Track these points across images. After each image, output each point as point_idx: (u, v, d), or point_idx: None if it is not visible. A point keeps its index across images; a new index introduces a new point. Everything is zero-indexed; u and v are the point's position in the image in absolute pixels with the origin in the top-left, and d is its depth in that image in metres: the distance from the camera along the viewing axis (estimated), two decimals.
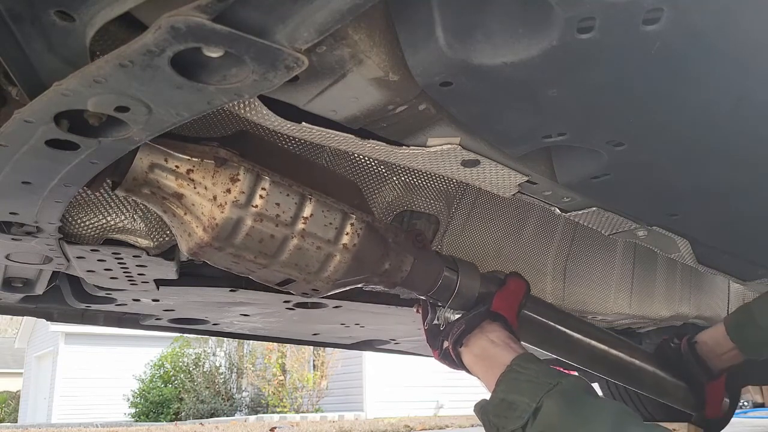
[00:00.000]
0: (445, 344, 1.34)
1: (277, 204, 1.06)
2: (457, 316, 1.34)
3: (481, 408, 1.21)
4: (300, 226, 1.08)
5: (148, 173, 1.00)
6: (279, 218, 1.06)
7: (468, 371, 1.32)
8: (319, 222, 1.10)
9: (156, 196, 1.03)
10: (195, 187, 1.01)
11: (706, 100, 0.93)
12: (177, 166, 1.01)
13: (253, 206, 1.03)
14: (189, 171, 1.01)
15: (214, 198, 1.01)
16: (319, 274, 1.15)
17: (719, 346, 1.75)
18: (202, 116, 1.00)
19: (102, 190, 1.19)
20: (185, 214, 1.03)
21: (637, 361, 1.77)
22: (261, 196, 1.04)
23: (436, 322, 1.38)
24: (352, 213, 1.15)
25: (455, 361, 1.33)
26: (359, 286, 1.27)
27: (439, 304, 1.38)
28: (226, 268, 1.14)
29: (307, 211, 1.09)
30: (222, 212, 1.01)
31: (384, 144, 1.02)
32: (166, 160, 1.00)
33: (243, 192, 1.02)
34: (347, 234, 1.14)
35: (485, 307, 1.34)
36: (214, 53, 0.63)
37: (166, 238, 1.28)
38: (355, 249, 1.15)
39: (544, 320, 1.58)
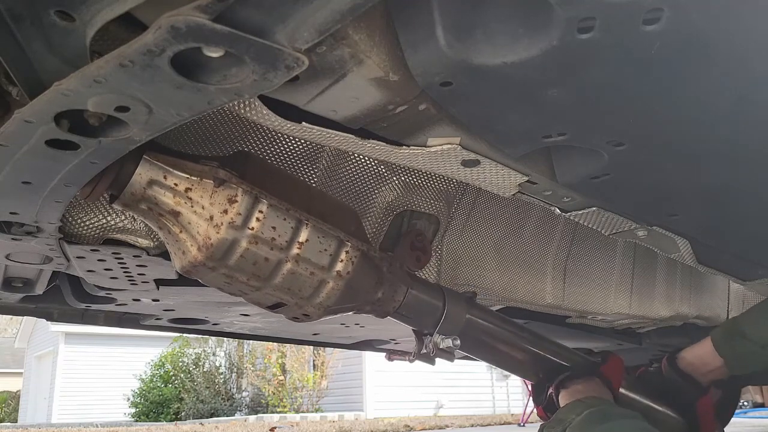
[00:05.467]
0: (550, 390, 1.52)
1: (274, 227, 1.06)
2: (448, 341, 1.38)
3: (540, 426, 1.42)
4: (295, 250, 1.09)
5: (146, 189, 1.00)
6: (274, 242, 1.06)
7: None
8: (314, 248, 1.11)
9: (153, 212, 1.03)
10: (192, 206, 1.01)
11: (706, 100, 0.93)
12: (176, 184, 1.01)
13: (249, 228, 1.03)
14: (187, 189, 1.01)
15: (211, 218, 1.01)
16: (311, 300, 1.15)
17: (704, 364, 1.71)
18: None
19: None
20: (181, 232, 1.03)
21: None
22: (258, 219, 1.04)
23: (424, 350, 1.40)
24: (348, 240, 1.15)
25: (553, 404, 1.50)
26: (350, 313, 1.28)
27: (426, 332, 1.40)
28: (217, 288, 1.14)
29: (302, 236, 1.09)
30: (218, 233, 1.01)
31: (384, 144, 1.02)
32: (165, 177, 1.01)
33: (240, 214, 1.02)
34: (341, 261, 1.14)
35: (596, 365, 1.52)
36: (214, 53, 0.63)
37: None
38: (348, 277, 1.15)
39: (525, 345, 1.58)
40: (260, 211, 1.04)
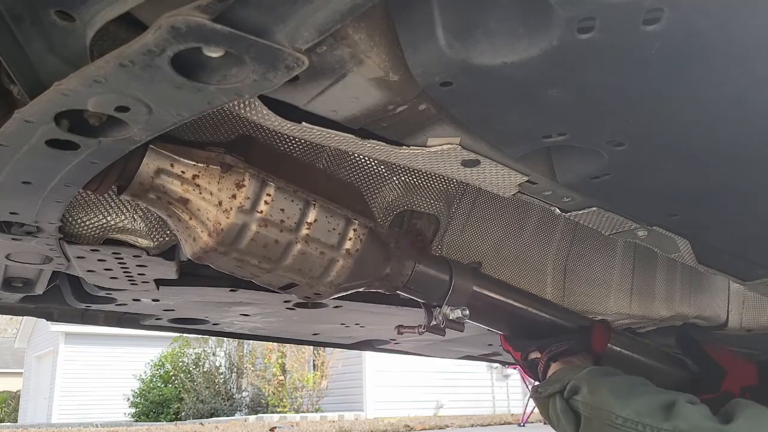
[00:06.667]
0: (533, 355, 1.56)
1: (282, 210, 1.07)
2: (457, 312, 1.37)
3: (532, 388, 1.48)
4: (304, 231, 1.10)
5: (154, 178, 1.01)
6: (283, 224, 1.07)
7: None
8: (322, 227, 1.12)
9: (161, 201, 1.04)
10: (200, 193, 1.02)
11: (706, 100, 0.93)
12: (183, 172, 1.02)
13: (258, 212, 1.04)
14: (195, 176, 1.02)
15: (220, 203, 1.02)
16: (322, 279, 1.16)
17: None
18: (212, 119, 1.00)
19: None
20: (190, 218, 1.04)
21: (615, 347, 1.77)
22: (266, 202, 1.05)
23: (434, 322, 1.41)
24: (355, 219, 1.16)
25: (538, 371, 1.54)
26: (360, 290, 1.28)
27: (434, 304, 1.40)
28: (229, 272, 1.14)
29: (311, 216, 1.10)
30: (227, 217, 1.02)
31: (384, 144, 1.02)
32: (172, 166, 1.01)
33: (248, 198, 1.03)
34: (350, 239, 1.15)
35: (587, 341, 1.58)
36: (214, 53, 0.63)
37: (166, 238, 1.28)
38: (357, 254, 1.16)
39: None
40: (268, 194, 1.05)
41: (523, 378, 11.82)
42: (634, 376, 1.36)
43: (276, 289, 1.20)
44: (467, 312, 1.37)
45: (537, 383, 1.48)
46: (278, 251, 1.09)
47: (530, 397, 1.52)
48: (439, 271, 1.38)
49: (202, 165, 1.02)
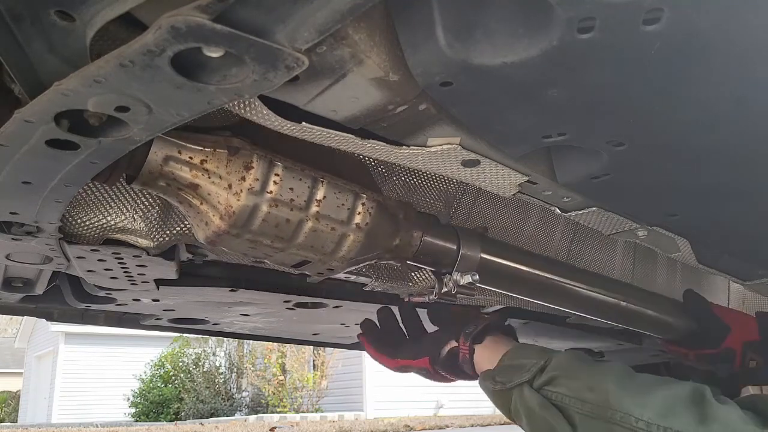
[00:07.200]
0: (448, 347, 1.43)
1: (291, 189, 1.08)
2: (467, 277, 1.36)
3: (483, 377, 1.30)
4: (314, 209, 1.11)
5: (162, 166, 1.01)
6: (293, 202, 1.08)
7: (468, 375, 1.41)
8: (332, 204, 1.13)
9: (172, 188, 1.04)
10: (210, 177, 1.03)
11: (706, 100, 0.93)
12: (191, 157, 1.02)
13: (267, 192, 1.05)
14: (203, 161, 1.03)
15: (230, 186, 1.03)
16: (335, 254, 1.18)
17: None
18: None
19: (101, 189, 1.19)
20: (201, 203, 1.05)
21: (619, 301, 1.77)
22: (275, 182, 1.05)
23: (445, 289, 1.40)
24: (363, 193, 1.18)
25: (460, 362, 1.41)
26: (372, 262, 1.29)
27: (444, 272, 1.40)
28: (242, 254, 1.16)
29: (319, 193, 1.11)
30: (238, 200, 1.03)
31: (384, 144, 1.02)
32: (179, 152, 1.02)
33: (257, 179, 1.04)
34: (359, 214, 1.16)
35: (503, 318, 1.53)
36: (214, 53, 0.63)
37: (166, 238, 1.28)
38: (367, 228, 1.17)
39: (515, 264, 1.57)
40: (276, 174, 1.06)
41: None
42: (620, 365, 1.18)
43: (289, 268, 1.21)
44: (477, 277, 1.37)
45: (487, 370, 1.29)
46: (290, 230, 1.10)
47: (481, 386, 1.33)
48: (447, 239, 1.38)
49: (209, 149, 1.03)
